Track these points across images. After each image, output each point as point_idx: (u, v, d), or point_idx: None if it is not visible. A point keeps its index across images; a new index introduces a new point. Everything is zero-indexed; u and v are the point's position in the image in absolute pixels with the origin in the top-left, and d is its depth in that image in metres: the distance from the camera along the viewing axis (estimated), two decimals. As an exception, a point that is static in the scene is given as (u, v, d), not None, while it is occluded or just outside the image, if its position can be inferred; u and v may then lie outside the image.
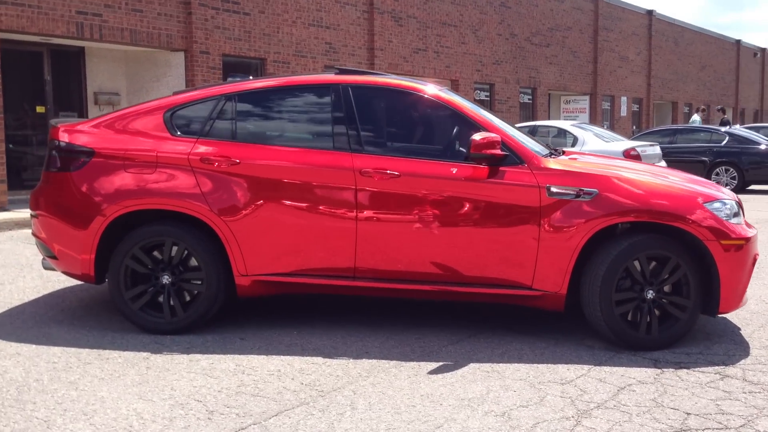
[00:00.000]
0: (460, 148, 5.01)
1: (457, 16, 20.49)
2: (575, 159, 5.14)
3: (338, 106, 5.03)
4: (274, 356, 4.57)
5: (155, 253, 5.00)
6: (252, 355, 4.58)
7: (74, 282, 6.47)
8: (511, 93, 23.00)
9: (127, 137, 5.07)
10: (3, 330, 5.06)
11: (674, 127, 20.67)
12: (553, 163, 4.86)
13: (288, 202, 4.88)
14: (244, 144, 5.01)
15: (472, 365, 4.44)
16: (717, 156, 17.51)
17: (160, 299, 5.02)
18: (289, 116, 5.28)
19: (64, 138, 5.13)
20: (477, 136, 4.71)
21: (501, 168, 4.80)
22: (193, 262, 4.99)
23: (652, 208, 4.68)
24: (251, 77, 5.86)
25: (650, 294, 4.73)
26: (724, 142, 18.08)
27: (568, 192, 4.71)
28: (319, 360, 4.51)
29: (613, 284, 4.68)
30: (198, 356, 4.56)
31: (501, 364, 4.46)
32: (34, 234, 5.35)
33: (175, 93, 5.55)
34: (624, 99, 30.58)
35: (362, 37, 17.30)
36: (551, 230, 4.71)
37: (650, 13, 32.51)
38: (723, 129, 19.45)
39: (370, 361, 4.50)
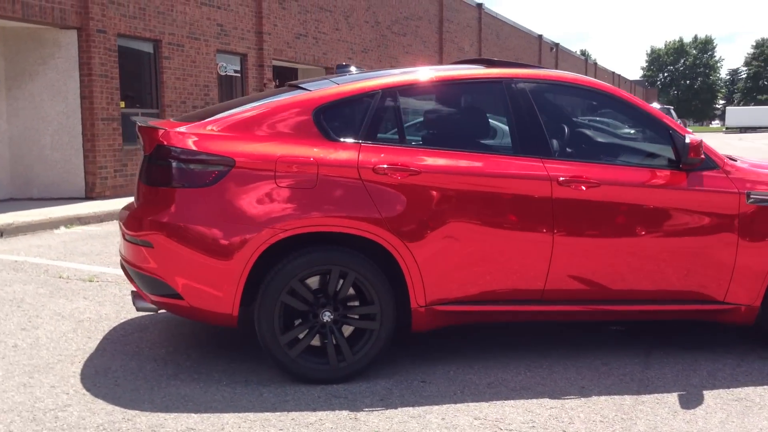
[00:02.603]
0: (651, 151, 4.57)
1: (332, 2, 19.76)
2: (749, 162, 4.88)
3: (517, 104, 4.37)
4: (495, 402, 3.88)
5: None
6: (471, 403, 3.86)
7: (103, 322, 5.23)
8: (375, 82, 22.64)
9: (271, 143, 4.07)
10: (115, 396, 3.89)
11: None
12: (744, 168, 4.57)
13: (475, 218, 4.16)
14: (416, 150, 4.21)
15: (708, 393, 4.06)
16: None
17: (308, 341, 4.10)
18: (460, 116, 4.53)
19: (187, 145, 4.01)
20: (689, 139, 4.30)
21: (699, 173, 4.43)
22: (350, 292, 4.12)
23: None
24: (363, 69, 5.02)
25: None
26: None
27: (767, 197, 4.44)
28: (549, 402, 3.90)
29: (810, 293, 4.48)
30: (412, 410, 3.76)
31: (732, 390, 4.11)
32: (132, 264, 4.17)
33: (291, 84, 4.58)
34: (461, 88, 31.36)
35: (251, 19, 16.11)
36: (750, 239, 4.43)
37: (480, 6, 33.65)
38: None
39: (600, 398, 3.97)
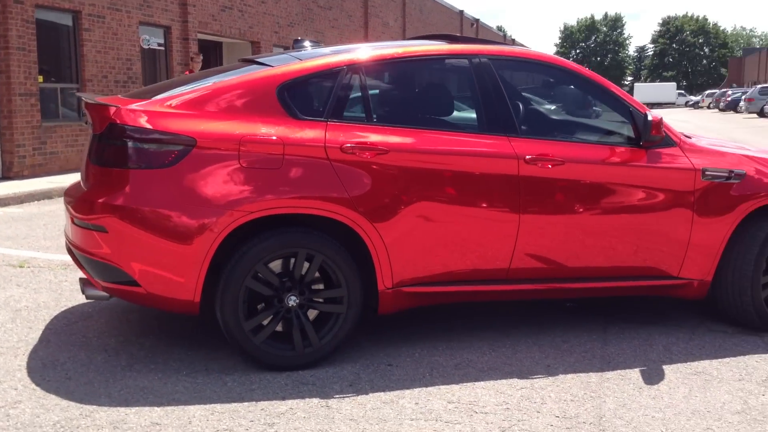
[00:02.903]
0: (611, 129, 4.60)
1: (256, -27, 19.28)
2: (703, 139, 4.97)
3: (483, 81, 4.31)
4: (466, 384, 3.85)
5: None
6: (442, 386, 3.82)
7: (42, 310, 4.96)
8: (301, 56, 22.27)
9: (234, 121, 3.89)
10: (68, 391, 3.67)
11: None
12: (700, 144, 4.65)
13: (443, 198, 4.10)
14: (383, 128, 4.10)
15: (667, 368, 4.14)
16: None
17: (273, 326, 3.97)
18: (426, 93, 4.43)
19: (143, 123, 3.79)
20: (650, 117, 4.34)
21: (657, 150, 4.48)
22: (315, 275, 4.00)
23: None
24: (320, 43, 4.86)
25: (779, 274, 4.76)
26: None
27: (721, 174, 4.54)
28: (518, 382, 3.89)
29: (761, 268, 4.62)
30: (384, 395, 3.69)
31: (689, 364, 4.19)
32: (82, 250, 3.92)
33: (246, 60, 4.39)
34: (385, 64, 31.18)
35: (174, -10, 15.53)
36: (704, 215, 4.52)
37: (403, -20, 33.46)
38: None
39: (567, 376, 3.99)
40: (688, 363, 4.21)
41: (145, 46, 15.09)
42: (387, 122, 4.17)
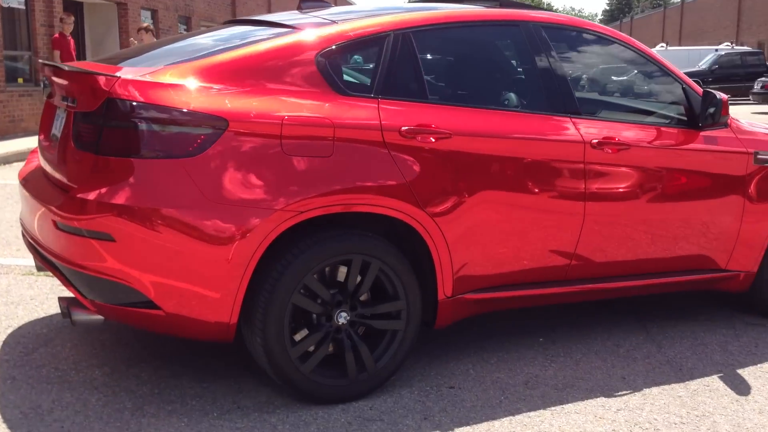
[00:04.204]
0: (665, 109, 4.15)
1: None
2: (748, 122, 4.62)
3: (539, 52, 3.71)
4: (553, 408, 3.29)
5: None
6: (530, 413, 3.24)
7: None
8: (171, 22, 20.73)
9: (270, 98, 3.06)
10: (72, 450, 2.76)
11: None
12: (748, 127, 4.30)
13: (509, 187, 3.48)
14: (441, 107, 3.40)
15: (743, 372, 3.78)
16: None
17: (324, 350, 3.22)
18: (480, 65, 3.76)
19: (160, 99, 2.88)
20: (719, 95, 3.91)
21: (711, 133, 4.08)
22: (359, 283, 3.28)
23: None
24: (328, 2, 4.09)
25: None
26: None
27: (770, 158, 4.22)
28: (609, 402, 3.38)
29: (805, 259, 4.36)
30: (471, 430, 3.05)
31: (762, 366, 3.85)
32: (73, 263, 2.96)
33: (242, 21, 3.60)
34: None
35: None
36: (755, 202, 4.20)
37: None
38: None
39: (652, 390, 3.52)
40: (760, 365, 3.86)
41: (5, 5, 13.26)
42: (443, 100, 3.49)
